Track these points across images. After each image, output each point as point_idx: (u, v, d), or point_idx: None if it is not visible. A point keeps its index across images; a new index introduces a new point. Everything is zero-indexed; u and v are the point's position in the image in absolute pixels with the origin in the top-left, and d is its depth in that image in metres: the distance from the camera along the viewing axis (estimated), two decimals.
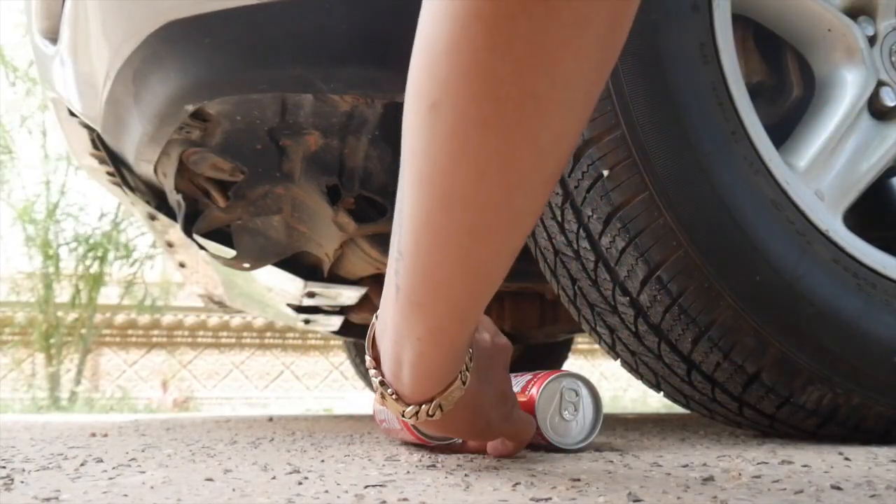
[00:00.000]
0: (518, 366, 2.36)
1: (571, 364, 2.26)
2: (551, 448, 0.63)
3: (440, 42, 0.36)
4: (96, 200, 6.06)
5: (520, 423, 0.58)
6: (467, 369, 0.50)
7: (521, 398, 0.63)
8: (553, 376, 0.64)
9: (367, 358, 0.51)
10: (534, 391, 0.63)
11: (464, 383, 0.49)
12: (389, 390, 0.49)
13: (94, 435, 0.99)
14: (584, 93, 0.37)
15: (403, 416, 0.50)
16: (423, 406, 0.49)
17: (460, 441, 0.64)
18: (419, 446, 0.69)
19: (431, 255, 0.41)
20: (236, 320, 6.82)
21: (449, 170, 0.38)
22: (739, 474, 0.49)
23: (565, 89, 0.36)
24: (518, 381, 0.66)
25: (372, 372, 0.50)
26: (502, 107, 0.36)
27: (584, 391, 0.64)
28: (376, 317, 0.50)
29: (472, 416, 0.53)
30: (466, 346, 0.49)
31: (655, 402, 4.25)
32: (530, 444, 0.63)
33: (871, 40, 0.78)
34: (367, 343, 0.51)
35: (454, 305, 0.44)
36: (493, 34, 0.34)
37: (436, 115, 0.37)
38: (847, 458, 0.59)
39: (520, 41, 0.34)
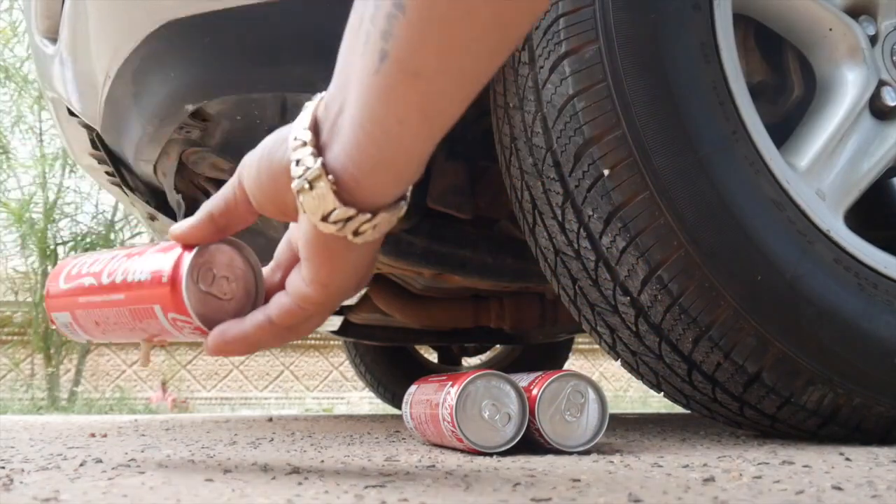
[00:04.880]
0: (518, 366, 2.34)
1: (571, 364, 2.27)
2: (551, 449, 0.63)
3: None
4: (93, 199, 6.06)
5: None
6: (406, 201, 0.42)
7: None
8: (558, 374, 0.63)
9: (302, 133, 0.40)
10: (535, 389, 0.63)
11: (399, 216, 0.41)
12: (331, 178, 0.39)
13: (93, 435, 0.99)
14: None
15: (326, 219, 0.40)
16: (361, 216, 0.40)
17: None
18: (424, 446, 0.69)
19: (452, 13, 0.33)
20: None
21: None
22: (740, 475, 0.49)
23: None
24: (525, 378, 0.66)
25: (309, 151, 0.39)
26: None
27: (591, 395, 0.63)
28: (320, 97, 0.41)
29: (366, 269, 0.45)
30: (430, 152, 0.39)
31: (656, 402, 4.25)
32: (533, 444, 0.63)
33: (873, 40, 0.78)
34: (307, 122, 0.40)
35: (462, 76, 0.35)
36: None
37: None
38: (848, 459, 0.59)
39: None
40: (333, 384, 6.63)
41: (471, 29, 0.34)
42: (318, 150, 0.40)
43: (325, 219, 0.40)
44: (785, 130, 0.78)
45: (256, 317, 0.47)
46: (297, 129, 0.40)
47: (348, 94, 0.37)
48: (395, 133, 0.37)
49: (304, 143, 0.40)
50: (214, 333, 0.48)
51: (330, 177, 0.39)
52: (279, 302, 0.46)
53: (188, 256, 0.47)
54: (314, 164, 0.39)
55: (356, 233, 0.40)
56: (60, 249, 5.90)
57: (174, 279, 0.47)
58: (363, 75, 0.36)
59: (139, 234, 6.01)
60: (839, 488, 0.43)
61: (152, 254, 0.49)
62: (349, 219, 0.40)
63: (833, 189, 0.74)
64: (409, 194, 0.43)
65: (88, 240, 5.90)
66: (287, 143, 0.41)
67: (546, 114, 0.69)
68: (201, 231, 0.47)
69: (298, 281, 0.45)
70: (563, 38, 0.67)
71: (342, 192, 0.39)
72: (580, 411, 0.63)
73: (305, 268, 0.44)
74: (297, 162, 0.40)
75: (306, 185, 0.39)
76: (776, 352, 0.66)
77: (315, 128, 0.40)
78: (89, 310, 0.52)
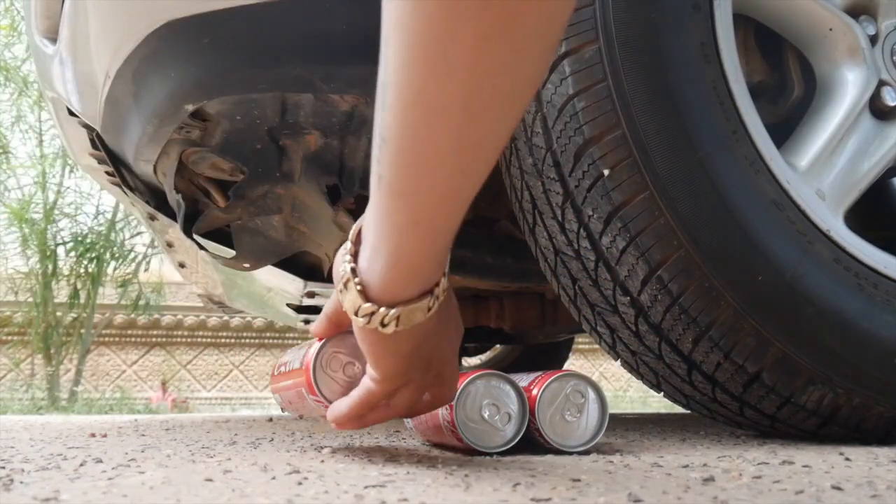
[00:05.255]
0: (518, 366, 2.34)
1: (571, 364, 2.27)
2: (548, 447, 0.63)
3: None
4: (93, 200, 6.06)
5: (446, 383, 0.55)
6: (437, 298, 0.47)
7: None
8: (559, 374, 0.63)
9: (346, 245, 0.48)
10: (535, 389, 0.63)
11: (429, 309, 0.47)
12: (357, 279, 0.47)
13: (93, 435, 0.99)
14: None
15: (357, 313, 0.47)
16: (383, 310, 0.46)
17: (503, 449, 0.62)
18: (423, 446, 0.69)
19: (420, 133, 0.38)
20: (236, 320, 6.82)
21: (446, 32, 0.34)
22: (740, 475, 0.49)
23: None
24: (525, 378, 0.66)
25: (346, 258, 0.48)
26: None
27: (591, 395, 0.64)
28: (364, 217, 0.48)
29: (408, 354, 0.50)
30: (444, 255, 0.46)
31: (656, 402, 4.25)
32: (533, 444, 0.63)
33: (873, 40, 0.78)
34: (352, 235, 0.48)
35: (441, 193, 0.41)
36: None
37: None
38: (848, 459, 0.59)
39: None
40: None
41: (436, 156, 0.39)
42: (354, 257, 0.48)
43: (356, 314, 0.47)
44: (785, 130, 0.78)
45: (351, 395, 0.55)
46: (347, 241, 0.49)
47: (369, 210, 0.45)
48: (396, 241, 0.44)
49: (346, 252, 0.48)
50: (329, 410, 0.57)
51: (357, 279, 0.47)
52: (362, 382, 0.54)
53: (316, 347, 0.58)
54: (347, 269, 0.47)
55: (383, 324, 0.47)
56: (60, 250, 5.90)
57: (307, 367, 0.58)
58: (371, 193, 0.43)
59: (139, 234, 6.01)
60: (839, 488, 0.43)
61: (306, 347, 0.61)
62: (373, 313, 0.46)
63: (833, 189, 0.74)
64: (439, 293, 0.47)
65: (89, 240, 5.90)
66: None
67: (546, 114, 0.69)
68: (322, 328, 0.58)
69: (368, 366, 0.53)
70: (562, 38, 0.67)
71: (367, 291, 0.47)
72: (580, 411, 0.63)
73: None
74: (342, 268, 0.48)
75: (343, 287, 0.48)
76: (776, 352, 0.66)
77: (357, 238, 0.48)
78: (284, 392, 0.67)
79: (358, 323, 0.48)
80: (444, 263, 0.47)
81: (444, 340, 0.53)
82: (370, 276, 0.46)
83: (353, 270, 0.47)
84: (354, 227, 0.49)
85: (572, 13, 0.37)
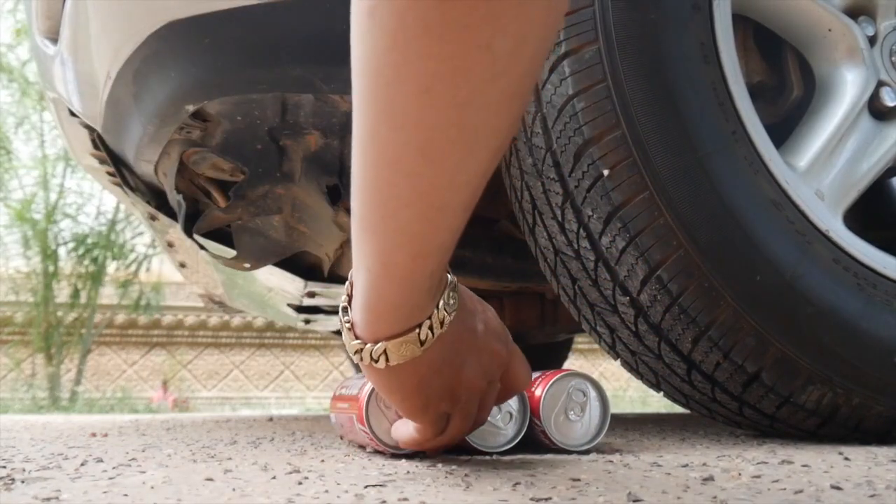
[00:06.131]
0: None
1: (571, 364, 2.26)
2: (553, 448, 0.63)
3: None
4: (94, 200, 6.06)
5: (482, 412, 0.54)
6: (431, 331, 0.46)
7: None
8: (561, 374, 0.64)
9: (347, 284, 0.49)
10: (538, 390, 0.63)
11: (422, 343, 0.46)
12: (347, 318, 0.47)
13: (94, 435, 0.99)
14: None
15: (351, 350, 0.47)
16: (369, 346, 0.46)
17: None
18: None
19: (379, 175, 0.38)
20: (236, 320, 6.82)
21: (391, 83, 0.34)
22: (739, 474, 0.49)
23: None
24: None
25: (343, 299, 0.48)
26: (447, 10, 0.31)
27: (592, 393, 0.64)
28: None
29: (417, 388, 0.48)
30: (427, 291, 0.45)
31: (655, 401, 4.25)
32: (533, 443, 0.63)
33: (872, 40, 0.78)
34: (350, 274, 0.48)
35: (404, 235, 0.40)
36: None
37: (374, 21, 0.33)
38: (847, 458, 0.59)
39: None
40: (334, 384, 6.63)
41: (399, 198, 0.39)
42: (349, 296, 0.48)
43: (350, 350, 0.48)
44: (784, 131, 0.78)
45: (408, 430, 0.55)
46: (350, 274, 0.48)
47: None
48: (367, 280, 0.43)
49: (344, 291, 0.48)
50: (393, 428, 0.58)
51: (347, 317, 0.48)
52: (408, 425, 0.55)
53: None
54: (340, 307, 0.48)
55: (374, 360, 0.46)
56: (62, 250, 5.90)
57: (362, 397, 0.59)
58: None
59: (140, 234, 6.02)
60: (838, 488, 0.44)
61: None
62: (361, 349, 0.47)
63: (832, 189, 0.74)
64: (433, 324, 0.46)
65: (90, 240, 5.91)
66: None
67: (546, 114, 0.69)
68: None
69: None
70: (562, 39, 0.67)
71: (355, 328, 0.47)
72: (583, 410, 0.63)
73: None
74: (342, 303, 0.49)
75: (340, 325, 0.48)
76: (775, 351, 0.66)
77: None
78: (338, 413, 0.69)
79: (354, 359, 0.48)
80: (433, 297, 0.46)
81: (466, 368, 0.50)
82: (355, 314, 0.47)
83: (345, 309, 0.48)
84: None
85: (541, 58, 0.36)
